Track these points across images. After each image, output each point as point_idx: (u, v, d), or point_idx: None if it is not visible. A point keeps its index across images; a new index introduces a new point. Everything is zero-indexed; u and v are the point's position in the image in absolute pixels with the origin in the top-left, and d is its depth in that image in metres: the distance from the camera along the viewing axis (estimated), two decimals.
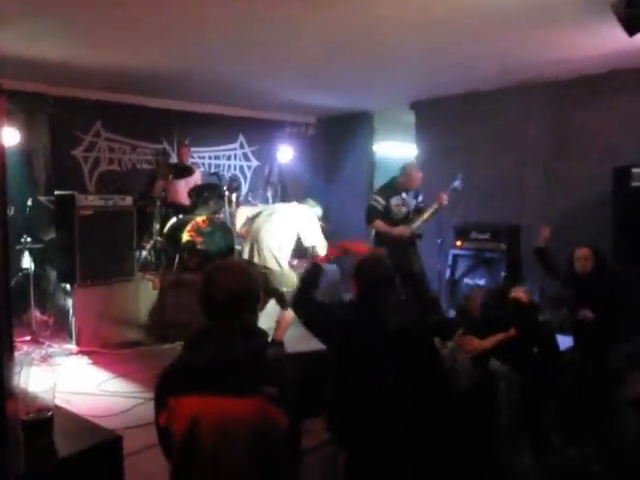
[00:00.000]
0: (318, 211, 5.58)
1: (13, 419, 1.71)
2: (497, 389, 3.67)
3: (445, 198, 5.57)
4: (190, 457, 1.77)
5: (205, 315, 1.94)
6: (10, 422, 1.70)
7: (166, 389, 1.85)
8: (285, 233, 5.21)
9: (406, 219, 5.68)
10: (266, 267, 5.12)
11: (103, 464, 1.72)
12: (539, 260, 4.74)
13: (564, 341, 4.14)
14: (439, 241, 6.27)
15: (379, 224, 5.62)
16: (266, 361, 1.86)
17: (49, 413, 1.68)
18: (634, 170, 5.27)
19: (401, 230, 5.59)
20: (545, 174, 6.57)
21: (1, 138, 2.13)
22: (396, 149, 10.01)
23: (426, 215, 5.62)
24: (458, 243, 6.67)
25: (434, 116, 7.61)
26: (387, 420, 2.58)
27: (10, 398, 1.81)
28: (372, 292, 2.77)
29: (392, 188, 5.75)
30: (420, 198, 5.80)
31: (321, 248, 5.19)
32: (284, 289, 5.11)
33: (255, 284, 1.99)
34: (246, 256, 5.28)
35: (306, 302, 3.03)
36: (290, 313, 5.13)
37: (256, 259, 5.16)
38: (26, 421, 1.65)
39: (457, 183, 5.71)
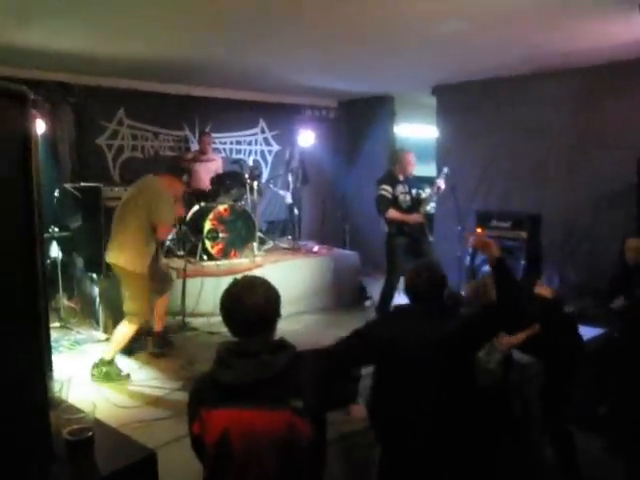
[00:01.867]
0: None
1: (56, 433, 1.80)
2: (523, 380, 3.74)
3: (442, 184, 5.73)
4: (222, 464, 1.88)
5: (233, 332, 2.01)
6: (53, 437, 1.79)
7: (198, 400, 1.95)
8: (135, 214, 4.51)
9: (412, 207, 5.75)
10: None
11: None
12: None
13: (586, 331, 4.16)
14: (459, 228, 6.29)
15: (394, 213, 5.69)
16: (293, 374, 1.93)
17: (90, 433, 1.77)
18: None
19: (416, 217, 5.69)
20: (567, 163, 6.49)
21: (34, 131, 2.20)
22: (417, 131, 9.96)
23: (429, 202, 5.81)
24: (479, 230, 6.68)
25: (456, 101, 7.54)
26: (426, 425, 2.57)
27: (53, 410, 1.90)
28: (412, 302, 2.81)
29: (393, 178, 5.81)
30: (414, 190, 5.90)
31: (165, 227, 4.64)
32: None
33: (279, 298, 2.06)
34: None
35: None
36: (164, 300, 5.07)
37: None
38: (70, 441, 1.74)
39: (445, 170, 5.85)
